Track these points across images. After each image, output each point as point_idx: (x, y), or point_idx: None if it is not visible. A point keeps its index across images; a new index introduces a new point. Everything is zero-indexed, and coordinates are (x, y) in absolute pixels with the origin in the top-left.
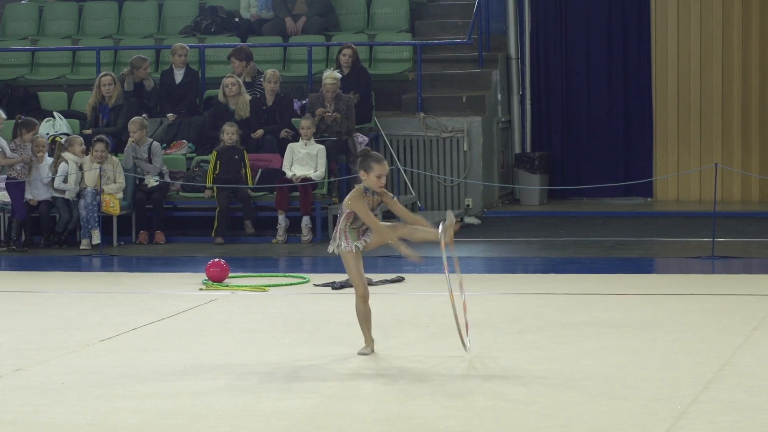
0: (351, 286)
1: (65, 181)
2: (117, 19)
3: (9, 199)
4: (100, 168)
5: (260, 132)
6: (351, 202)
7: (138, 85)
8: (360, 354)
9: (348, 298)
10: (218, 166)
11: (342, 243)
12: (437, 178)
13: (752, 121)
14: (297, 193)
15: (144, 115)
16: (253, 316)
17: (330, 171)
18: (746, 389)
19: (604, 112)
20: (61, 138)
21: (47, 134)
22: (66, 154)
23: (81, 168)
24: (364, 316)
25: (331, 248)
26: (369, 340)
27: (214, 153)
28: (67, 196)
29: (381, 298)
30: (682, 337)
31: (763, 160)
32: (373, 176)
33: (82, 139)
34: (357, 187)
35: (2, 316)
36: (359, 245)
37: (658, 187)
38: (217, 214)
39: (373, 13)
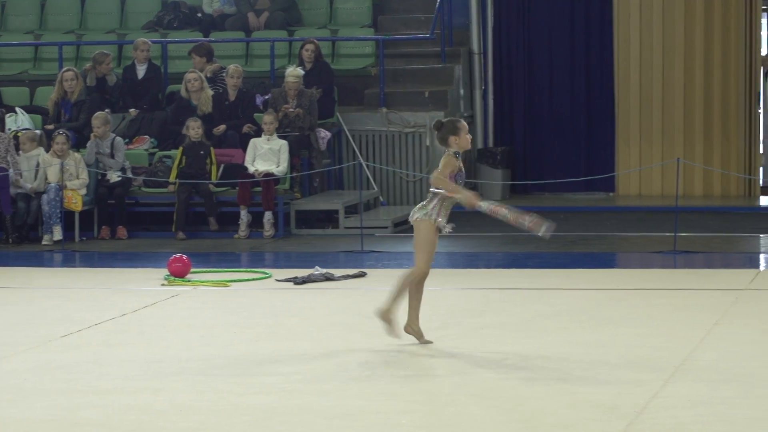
0: (313, 281)
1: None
2: (79, 15)
3: None
4: (62, 163)
5: (222, 127)
6: (444, 158)
7: (100, 81)
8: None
9: (309, 293)
10: (183, 161)
11: (433, 215)
12: (400, 173)
13: (714, 116)
14: (259, 189)
15: (107, 111)
16: (215, 311)
17: (292, 166)
18: (708, 384)
19: (566, 107)
20: (23, 133)
21: (9, 130)
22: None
23: (38, 165)
24: (413, 294)
25: (419, 215)
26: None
27: (180, 149)
28: (28, 191)
29: (343, 294)
30: (644, 331)
31: (725, 155)
32: (464, 136)
33: (43, 134)
34: (448, 153)
35: None
36: (444, 226)
37: (620, 182)
38: (176, 208)
39: (336, 9)
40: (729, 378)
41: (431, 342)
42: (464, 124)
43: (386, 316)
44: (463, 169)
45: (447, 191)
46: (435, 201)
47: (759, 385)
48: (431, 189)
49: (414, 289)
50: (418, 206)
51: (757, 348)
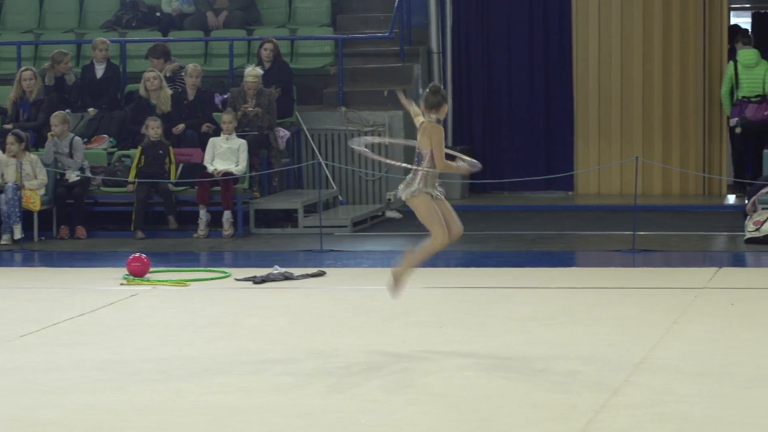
0: (272, 280)
1: None
2: (38, 14)
3: None
4: (20, 163)
5: (181, 126)
6: (427, 133)
7: (59, 80)
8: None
9: (268, 293)
10: (142, 161)
11: (423, 187)
12: (359, 172)
13: (673, 115)
14: (218, 188)
15: (66, 110)
16: (174, 310)
17: (251, 165)
18: (666, 382)
19: (525, 106)
20: None
21: None
22: None
23: None
24: (425, 257)
25: (406, 194)
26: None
27: (139, 148)
28: None
29: (303, 293)
30: (603, 330)
31: (684, 154)
32: (445, 107)
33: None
34: (430, 121)
35: None
36: (435, 193)
37: (579, 181)
38: (135, 207)
39: (295, 8)
40: (688, 376)
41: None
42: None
43: (399, 278)
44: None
45: (452, 171)
46: (419, 176)
47: (718, 384)
48: (415, 166)
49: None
50: (403, 184)
51: (716, 346)
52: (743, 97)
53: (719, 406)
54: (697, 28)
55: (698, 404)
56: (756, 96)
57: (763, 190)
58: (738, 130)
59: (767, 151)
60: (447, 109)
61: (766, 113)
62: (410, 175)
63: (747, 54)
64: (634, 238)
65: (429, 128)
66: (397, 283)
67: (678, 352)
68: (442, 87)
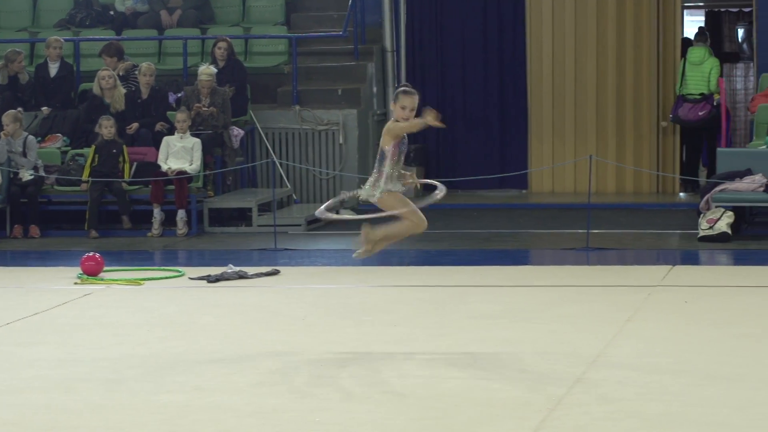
0: (226, 279)
1: None
2: None
3: None
4: None
5: (135, 125)
6: (387, 131)
7: (12, 79)
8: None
9: (223, 291)
10: (96, 160)
11: (389, 186)
12: (313, 171)
13: (626, 114)
14: (172, 187)
15: (19, 109)
16: (128, 309)
17: (205, 164)
18: (620, 380)
19: (479, 105)
20: None
21: None
22: None
23: None
24: (398, 235)
25: (375, 196)
26: (369, 243)
27: (93, 147)
28: None
29: (257, 292)
30: (557, 328)
31: (638, 152)
32: (398, 106)
33: None
34: (393, 120)
35: None
36: (402, 189)
37: (533, 179)
38: (88, 206)
39: (249, 6)
40: (641, 374)
41: (368, 254)
42: (410, 98)
43: (371, 243)
44: (405, 139)
45: (408, 130)
46: (383, 176)
47: (670, 382)
48: (377, 167)
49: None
50: (368, 186)
51: (669, 344)
52: (684, 94)
53: (673, 404)
54: (650, 27)
55: (652, 401)
56: (699, 94)
57: (717, 189)
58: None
59: (720, 150)
60: (400, 105)
61: (700, 113)
62: (373, 177)
63: (694, 51)
64: (588, 237)
65: (389, 126)
66: (369, 248)
67: (632, 349)
68: (407, 84)
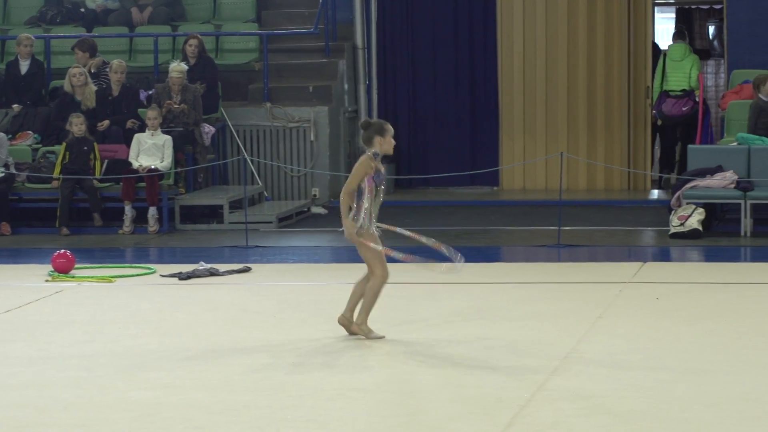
0: (197, 276)
1: None
2: None
3: None
4: None
5: (106, 123)
6: (360, 162)
7: None
8: (376, 338)
9: (194, 289)
10: (67, 157)
11: (367, 223)
12: (284, 168)
13: (597, 111)
14: (143, 184)
15: None
16: (99, 307)
17: (177, 161)
18: (591, 376)
19: (450, 102)
20: None
21: None
22: None
23: None
24: (374, 300)
25: (353, 231)
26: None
27: (64, 144)
28: None
29: (228, 289)
30: (528, 324)
31: (608, 149)
32: (389, 138)
33: None
34: (366, 154)
35: None
36: (377, 231)
37: (504, 176)
38: (59, 204)
39: (219, 4)
40: (612, 371)
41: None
42: (390, 127)
43: (363, 329)
44: (382, 170)
45: (342, 214)
46: (362, 212)
47: (642, 378)
48: (355, 202)
49: (359, 289)
50: (349, 220)
51: (641, 341)
52: (667, 90)
53: (644, 400)
54: (621, 24)
55: (623, 398)
56: (681, 90)
57: (688, 185)
58: (659, 122)
59: (692, 147)
60: (384, 141)
61: (684, 109)
62: (353, 212)
63: (674, 48)
64: (559, 233)
65: (360, 160)
66: (366, 332)
67: (603, 346)
68: (370, 120)
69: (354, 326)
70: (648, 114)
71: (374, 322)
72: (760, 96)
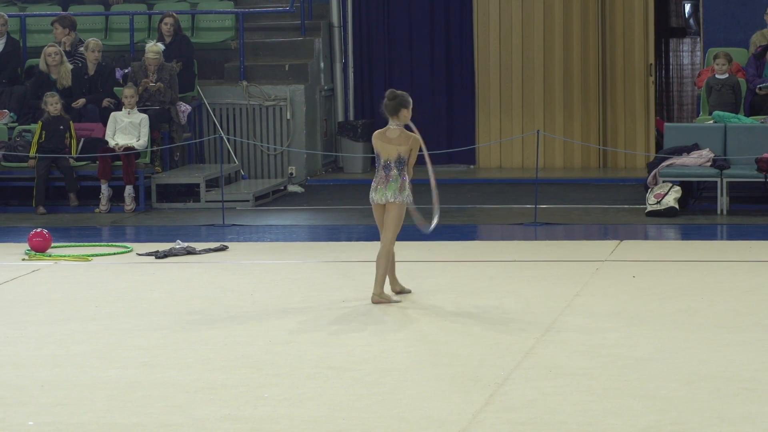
0: (174, 255)
1: None
2: None
3: None
4: None
5: (82, 101)
6: (416, 141)
7: None
8: (395, 300)
9: (171, 267)
10: (43, 136)
11: (410, 200)
12: (260, 146)
13: (574, 88)
14: (120, 163)
15: None
16: (75, 286)
17: (153, 140)
18: (568, 355)
19: (426, 80)
20: None
21: None
22: None
23: None
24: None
25: (399, 198)
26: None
27: (40, 123)
28: None
29: (205, 267)
30: (505, 303)
31: (585, 127)
32: (405, 111)
33: None
34: (407, 134)
35: None
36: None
37: (481, 155)
38: (35, 183)
39: None
40: (589, 349)
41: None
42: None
43: (382, 297)
44: None
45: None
46: (407, 186)
47: (619, 356)
48: (396, 171)
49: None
50: (390, 189)
51: (617, 319)
52: None
53: (621, 378)
54: (597, 1)
55: (600, 376)
56: None
57: (664, 163)
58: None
59: (669, 125)
60: (408, 113)
61: None
62: (398, 181)
63: None
64: (536, 212)
65: (414, 137)
66: (384, 297)
67: (580, 324)
68: (396, 92)
69: (383, 297)
70: (651, 92)
71: (349, 299)
72: (715, 75)
